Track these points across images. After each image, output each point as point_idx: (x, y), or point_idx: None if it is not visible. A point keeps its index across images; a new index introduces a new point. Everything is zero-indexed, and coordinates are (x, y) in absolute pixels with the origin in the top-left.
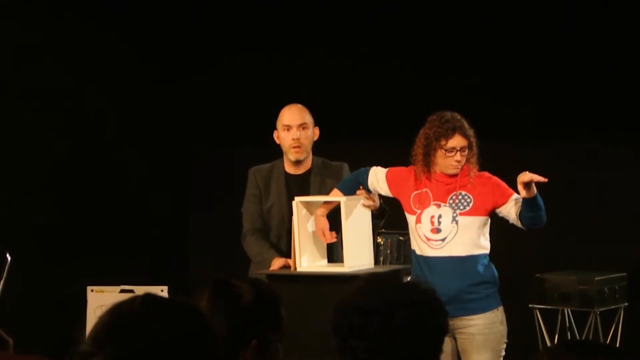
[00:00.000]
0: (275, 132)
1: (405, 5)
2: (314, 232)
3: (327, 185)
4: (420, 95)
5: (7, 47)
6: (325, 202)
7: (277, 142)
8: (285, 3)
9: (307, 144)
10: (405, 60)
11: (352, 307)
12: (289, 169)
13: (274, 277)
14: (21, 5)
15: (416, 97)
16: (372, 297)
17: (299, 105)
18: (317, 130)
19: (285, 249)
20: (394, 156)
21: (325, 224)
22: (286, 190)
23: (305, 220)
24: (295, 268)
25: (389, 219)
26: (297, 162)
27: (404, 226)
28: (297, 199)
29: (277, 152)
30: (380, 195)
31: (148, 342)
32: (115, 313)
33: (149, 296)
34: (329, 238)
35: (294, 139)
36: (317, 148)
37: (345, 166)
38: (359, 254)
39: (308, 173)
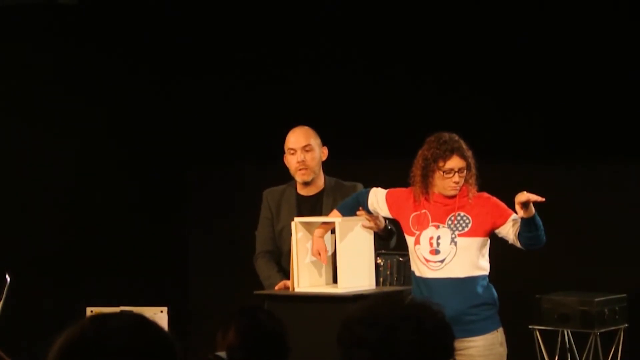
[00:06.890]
0: (284, 156)
1: (413, 25)
2: None
3: None
4: (428, 116)
5: (4, 67)
6: (324, 223)
7: (287, 165)
8: (288, 21)
9: (314, 165)
10: (412, 79)
11: (357, 318)
12: (301, 190)
13: (271, 297)
14: (19, 23)
15: (424, 118)
16: (378, 309)
17: (305, 128)
18: (325, 150)
19: None
20: (405, 176)
21: (322, 245)
22: (297, 212)
23: (306, 241)
24: (294, 289)
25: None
26: (306, 184)
27: (404, 247)
28: (297, 219)
29: (276, 172)
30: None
31: None
32: (67, 338)
33: (96, 317)
34: (325, 260)
35: (298, 162)
36: (331, 169)
37: (359, 186)
38: (356, 275)
39: (320, 194)
